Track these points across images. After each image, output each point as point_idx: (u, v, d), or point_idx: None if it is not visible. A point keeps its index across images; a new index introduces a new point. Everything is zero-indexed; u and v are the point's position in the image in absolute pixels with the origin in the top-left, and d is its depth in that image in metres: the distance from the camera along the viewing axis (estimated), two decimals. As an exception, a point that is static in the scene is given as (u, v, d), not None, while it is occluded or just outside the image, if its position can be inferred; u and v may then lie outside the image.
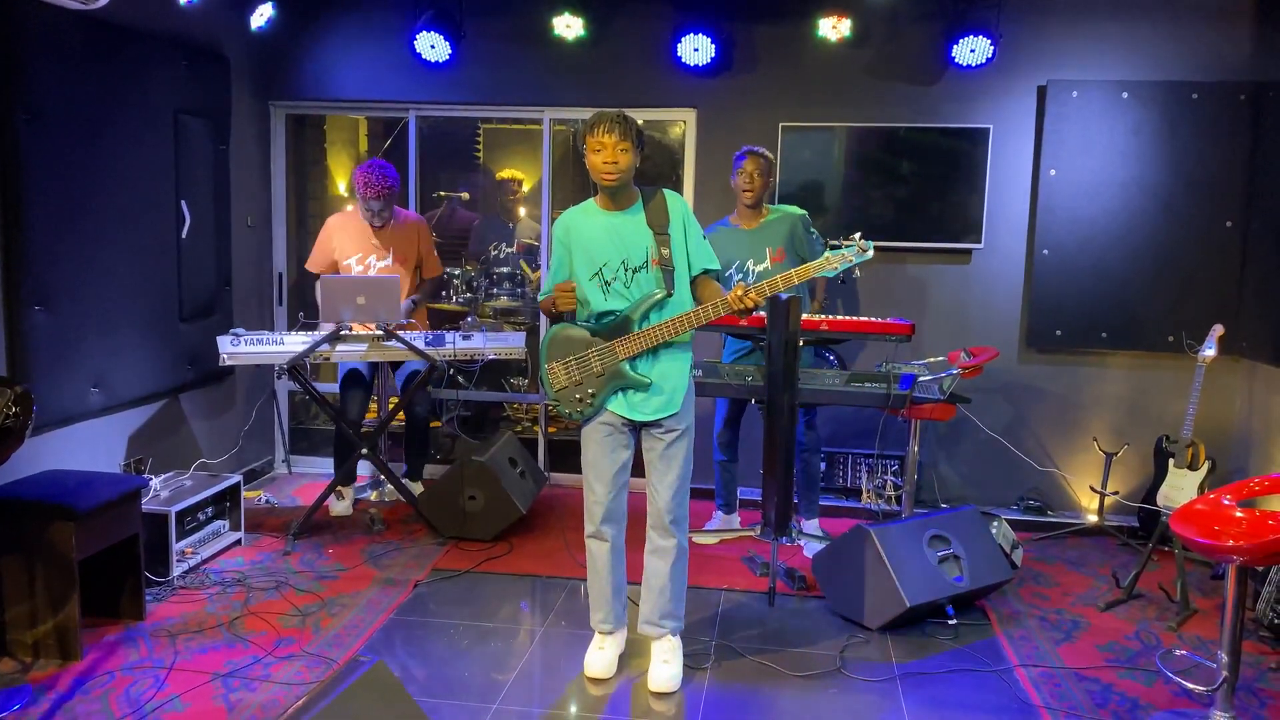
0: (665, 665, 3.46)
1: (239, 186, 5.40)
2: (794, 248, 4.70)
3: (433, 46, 5.24)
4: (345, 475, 5.06)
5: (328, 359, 4.69)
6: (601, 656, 3.53)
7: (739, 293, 3.17)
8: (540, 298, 3.59)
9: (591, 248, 3.36)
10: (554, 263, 3.46)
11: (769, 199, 4.89)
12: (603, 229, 3.35)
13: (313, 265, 5.10)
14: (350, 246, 5.02)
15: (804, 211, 4.78)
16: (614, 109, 3.30)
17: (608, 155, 3.25)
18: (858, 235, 3.20)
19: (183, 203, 4.84)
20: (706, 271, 3.43)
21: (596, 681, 3.48)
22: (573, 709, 3.32)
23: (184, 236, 4.86)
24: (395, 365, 5.21)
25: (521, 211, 6.68)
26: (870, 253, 3.24)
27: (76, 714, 3.11)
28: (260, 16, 5.24)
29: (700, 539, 4.87)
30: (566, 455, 5.84)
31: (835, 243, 3.31)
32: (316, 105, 5.88)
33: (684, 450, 3.41)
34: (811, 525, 4.91)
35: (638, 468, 3.46)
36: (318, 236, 5.10)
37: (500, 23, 5.44)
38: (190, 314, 4.95)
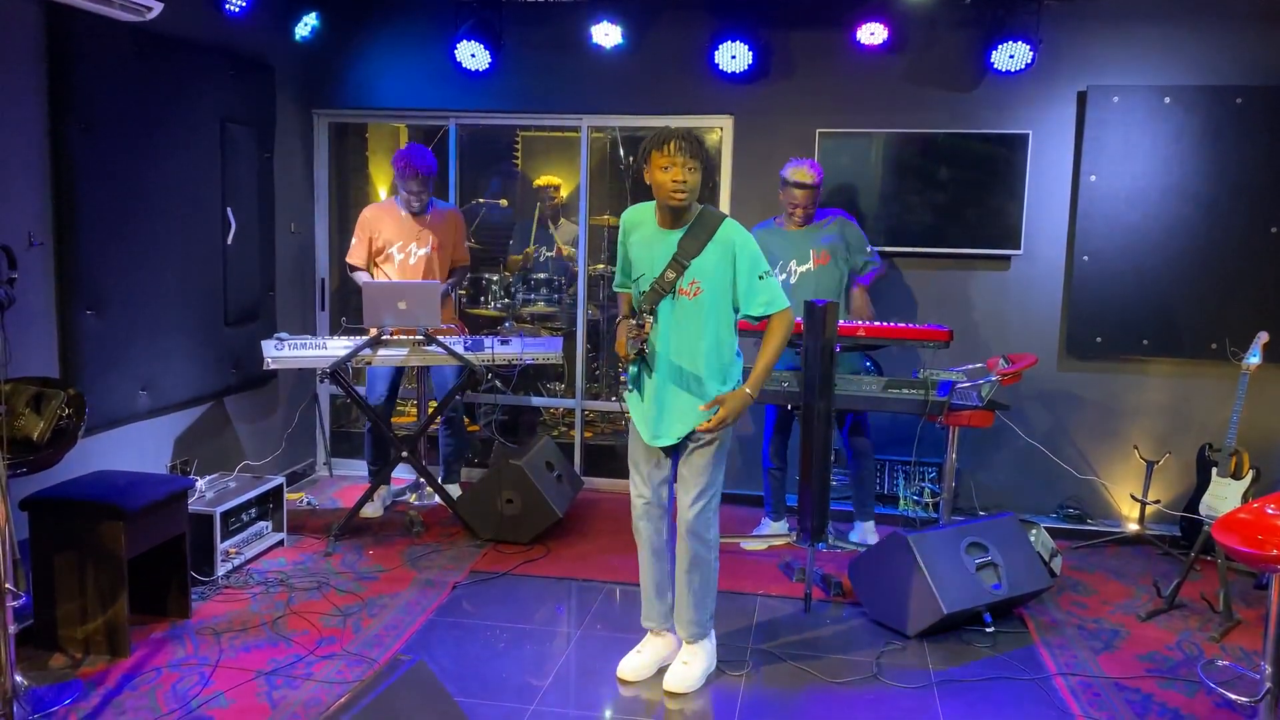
0: (683, 666, 3.46)
1: (283, 193, 5.50)
2: (839, 253, 4.71)
3: (473, 55, 5.31)
4: (384, 477, 5.12)
5: (369, 363, 4.76)
6: (636, 659, 3.55)
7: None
8: (615, 287, 3.66)
9: (638, 254, 3.40)
10: (618, 257, 3.53)
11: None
12: (649, 238, 3.38)
13: (353, 257, 5.14)
14: (392, 235, 5.09)
15: (853, 220, 4.82)
16: (680, 127, 3.19)
17: (677, 174, 3.17)
18: None
19: (228, 209, 4.94)
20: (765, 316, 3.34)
21: (625, 683, 3.49)
22: (609, 713, 3.35)
23: (229, 242, 4.96)
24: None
25: (560, 218, 6.73)
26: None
27: (125, 709, 3.19)
28: (304, 27, 5.35)
29: (749, 545, 4.89)
30: (603, 460, 5.87)
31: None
32: (359, 114, 5.97)
33: (707, 458, 3.37)
34: (867, 527, 4.94)
35: None
36: (355, 228, 5.17)
37: (539, 31, 5.50)
38: (235, 318, 5.04)
